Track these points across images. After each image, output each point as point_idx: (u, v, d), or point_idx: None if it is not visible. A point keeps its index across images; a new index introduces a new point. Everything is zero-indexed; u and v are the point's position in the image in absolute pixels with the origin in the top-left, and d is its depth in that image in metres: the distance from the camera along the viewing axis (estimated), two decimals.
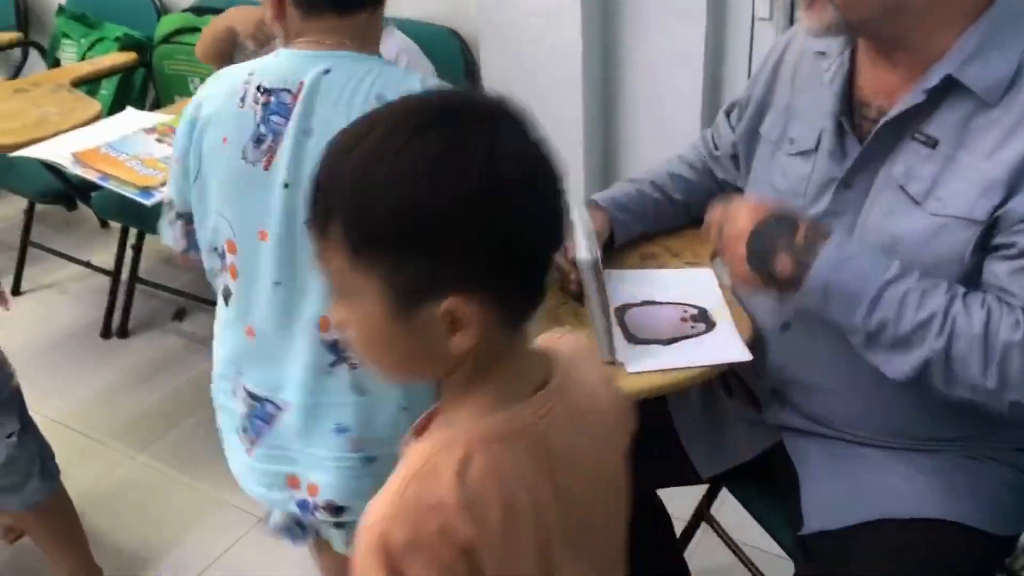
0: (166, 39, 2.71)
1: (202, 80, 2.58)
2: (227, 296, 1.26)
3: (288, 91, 1.15)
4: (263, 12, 1.26)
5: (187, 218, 1.27)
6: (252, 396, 1.28)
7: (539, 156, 0.75)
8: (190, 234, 1.29)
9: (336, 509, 1.29)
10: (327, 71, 1.16)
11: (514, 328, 0.77)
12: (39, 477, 1.71)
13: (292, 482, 1.30)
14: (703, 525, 1.70)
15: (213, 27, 2.13)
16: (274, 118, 1.15)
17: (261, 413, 1.28)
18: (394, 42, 2.11)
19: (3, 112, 2.29)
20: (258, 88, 1.16)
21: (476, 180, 0.70)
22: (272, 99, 1.15)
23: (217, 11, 2.51)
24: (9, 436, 1.64)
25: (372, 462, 1.27)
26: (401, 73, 1.25)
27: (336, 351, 1.24)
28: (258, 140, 1.16)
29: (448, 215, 0.69)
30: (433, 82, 1.25)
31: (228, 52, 2.12)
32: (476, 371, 0.77)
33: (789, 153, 1.25)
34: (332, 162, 0.73)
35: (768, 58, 1.35)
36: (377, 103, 1.15)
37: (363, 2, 1.20)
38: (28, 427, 1.69)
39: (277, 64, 1.19)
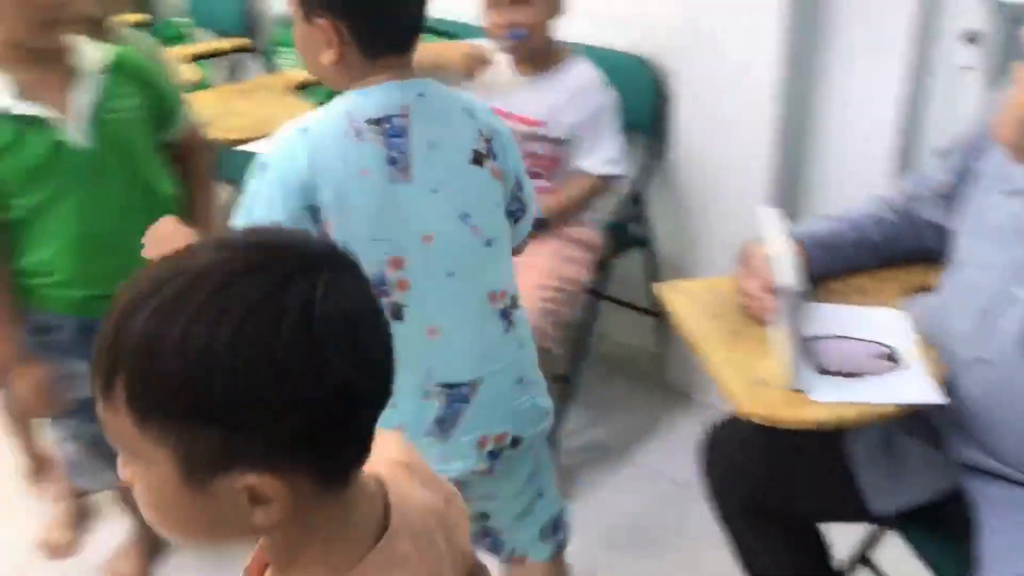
0: None
1: None
2: (397, 313, 1.34)
3: (397, 116, 1.29)
4: (318, 55, 1.30)
5: None
6: (447, 386, 1.38)
7: (363, 312, 0.69)
8: None
9: (516, 441, 1.46)
10: (421, 94, 1.32)
11: (336, 489, 0.70)
12: None
13: (482, 442, 1.43)
14: (861, 568, 1.69)
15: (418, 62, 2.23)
16: (396, 140, 1.29)
17: (458, 396, 1.39)
18: (576, 68, 2.18)
19: (230, 110, 2.52)
20: (367, 121, 1.28)
21: (284, 348, 0.62)
22: (387, 125, 1.28)
23: (432, 31, 2.67)
24: None
25: (533, 395, 1.50)
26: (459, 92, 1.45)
27: (506, 318, 1.43)
28: (392, 161, 1.29)
29: (249, 385, 0.62)
30: (481, 106, 1.42)
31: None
32: (302, 534, 0.70)
33: (1005, 192, 1.26)
34: (122, 312, 0.64)
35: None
36: (469, 116, 1.37)
37: (415, 41, 1.35)
38: None
39: (370, 98, 1.29)
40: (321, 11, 1.27)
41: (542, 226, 2.15)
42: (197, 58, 3.18)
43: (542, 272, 2.10)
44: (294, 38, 1.36)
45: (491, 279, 1.41)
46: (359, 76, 1.31)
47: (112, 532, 2.17)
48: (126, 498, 2.05)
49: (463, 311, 1.38)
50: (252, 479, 0.64)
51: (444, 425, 1.40)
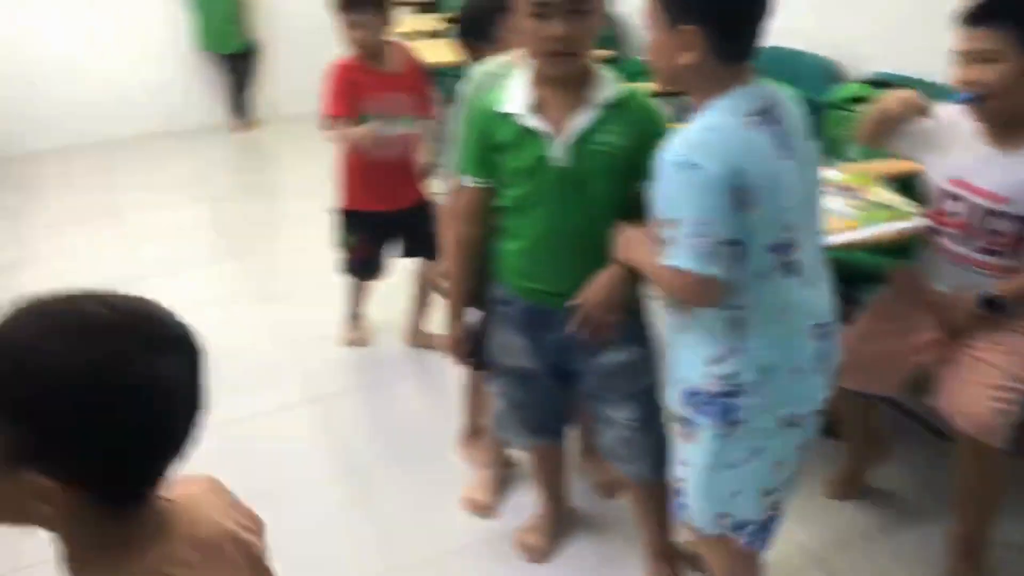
0: (838, 104, 2.92)
1: (853, 150, 2.75)
2: (795, 269, 1.55)
3: (768, 111, 1.51)
4: (675, 59, 1.51)
5: (728, 242, 1.48)
6: (819, 326, 1.62)
7: (189, 386, 0.85)
8: (726, 256, 1.49)
9: None
10: (773, 91, 1.55)
11: (122, 505, 0.86)
12: (649, 461, 2.01)
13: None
14: None
15: (872, 111, 2.18)
16: (776, 127, 1.51)
17: (826, 333, 1.63)
18: None
19: None
20: (755, 114, 1.49)
21: (121, 395, 0.80)
22: (767, 116, 1.51)
23: (896, 85, 2.64)
24: (631, 421, 1.97)
25: None
26: None
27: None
28: (779, 144, 1.51)
29: (78, 409, 0.79)
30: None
31: (885, 134, 2.16)
32: (88, 536, 0.86)
33: None
34: (12, 319, 0.82)
35: None
36: (800, 112, 1.59)
37: (757, 50, 1.53)
38: (652, 420, 1.98)
39: (747, 97, 1.51)
40: (687, 18, 1.48)
41: (998, 307, 2.03)
42: (657, 95, 3.42)
43: (1000, 371, 1.99)
44: (650, 45, 1.56)
45: (822, 235, 1.67)
46: (712, 79, 1.51)
47: (524, 505, 2.45)
48: (540, 476, 2.31)
49: (822, 263, 1.64)
50: (43, 480, 0.81)
51: (823, 361, 1.64)
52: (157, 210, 4.83)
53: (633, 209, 1.76)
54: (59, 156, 5.70)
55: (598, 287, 1.79)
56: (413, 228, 3.08)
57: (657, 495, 2.08)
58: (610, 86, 1.79)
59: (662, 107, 1.82)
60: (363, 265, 3.19)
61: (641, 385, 1.96)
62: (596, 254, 1.79)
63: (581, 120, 1.76)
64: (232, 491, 1.08)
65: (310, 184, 4.67)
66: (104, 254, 4.25)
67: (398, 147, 2.88)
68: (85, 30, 5.74)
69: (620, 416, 1.97)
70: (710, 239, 1.46)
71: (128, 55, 5.91)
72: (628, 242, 1.72)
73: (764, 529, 1.74)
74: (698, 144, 1.47)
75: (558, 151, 1.77)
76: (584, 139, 1.77)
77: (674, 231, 1.49)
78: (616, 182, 1.79)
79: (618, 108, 1.78)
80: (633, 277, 1.76)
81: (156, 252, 4.27)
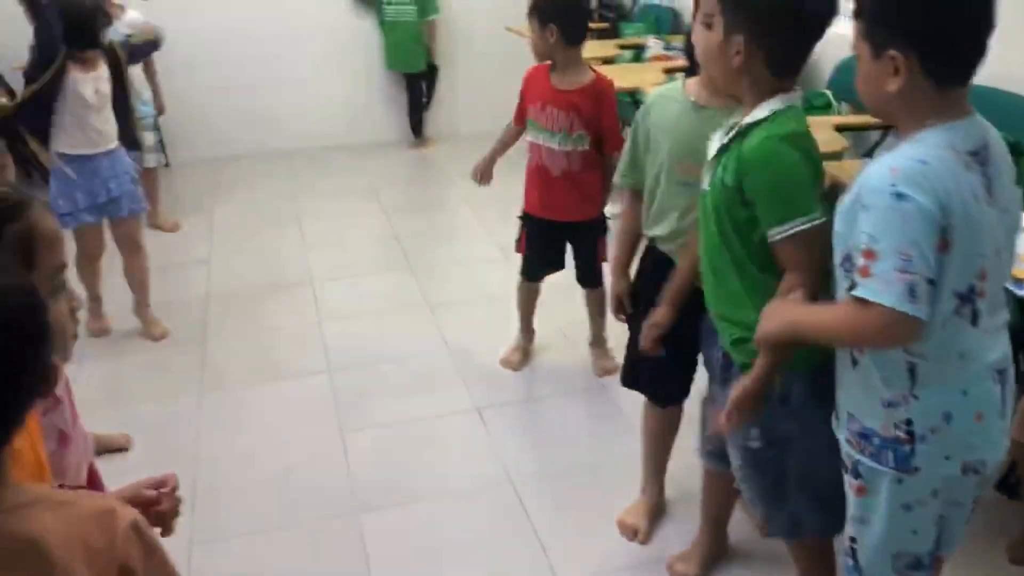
0: None
1: None
2: (976, 317, 1.47)
3: (982, 147, 1.44)
4: (884, 87, 1.43)
5: (929, 281, 1.38)
6: (999, 372, 1.55)
7: None
8: (929, 295, 1.39)
9: None
10: (985, 127, 1.47)
11: None
12: (757, 510, 1.96)
13: None
14: None
15: None
16: (987, 168, 1.44)
17: (1005, 379, 1.56)
18: None
19: None
20: (968, 153, 1.42)
21: None
22: (980, 156, 1.44)
23: None
24: (735, 465, 1.92)
25: None
26: None
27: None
28: (987, 187, 1.44)
29: None
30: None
31: None
32: None
33: None
34: None
35: None
36: (1007, 154, 1.51)
37: (975, 72, 1.44)
38: (752, 482, 1.91)
39: (962, 132, 1.44)
40: (892, 43, 1.41)
41: None
42: (841, 129, 3.34)
43: None
44: (859, 77, 1.49)
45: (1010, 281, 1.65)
46: (924, 106, 1.44)
47: (680, 534, 2.41)
48: (705, 501, 2.27)
49: (1004, 309, 1.56)
50: None
51: (1004, 405, 1.56)
52: (334, 218, 5.07)
53: (747, 257, 1.73)
54: (252, 160, 6.08)
55: (744, 390, 1.71)
56: (577, 244, 3.17)
57: (802, 544, 2.02)
58: (759, 111, 1.66)
59: (788, 146, 1.63)
60: (527, 264, 3.27)
61: (750, 446, 1.87)
62: (717, 287, 1.80)
63: (713, 147, 1.75)
64: (152, 543, 1.07)
65: (481, 201, 4.80)
66: (281, 255, 4.50)
67: (552, 161, 2.99)
68: (293, 43, 6.09)
69: (733, 454, 1.94)
70: (917, 275, 1.36)
71: (325, 71, 6.24)
72: (775, 312, 1.63)
73: (935, 550, 1.64)
74: (908, 174, 1.38)
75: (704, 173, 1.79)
76: (712, 167, 1.75)
77: (872, 263, 1.39)
78: (720, 219, 1.72)
79: (739, 141, 1.68)
80: (779, 368, 1.69)
81: (330, 257, 4.48)
